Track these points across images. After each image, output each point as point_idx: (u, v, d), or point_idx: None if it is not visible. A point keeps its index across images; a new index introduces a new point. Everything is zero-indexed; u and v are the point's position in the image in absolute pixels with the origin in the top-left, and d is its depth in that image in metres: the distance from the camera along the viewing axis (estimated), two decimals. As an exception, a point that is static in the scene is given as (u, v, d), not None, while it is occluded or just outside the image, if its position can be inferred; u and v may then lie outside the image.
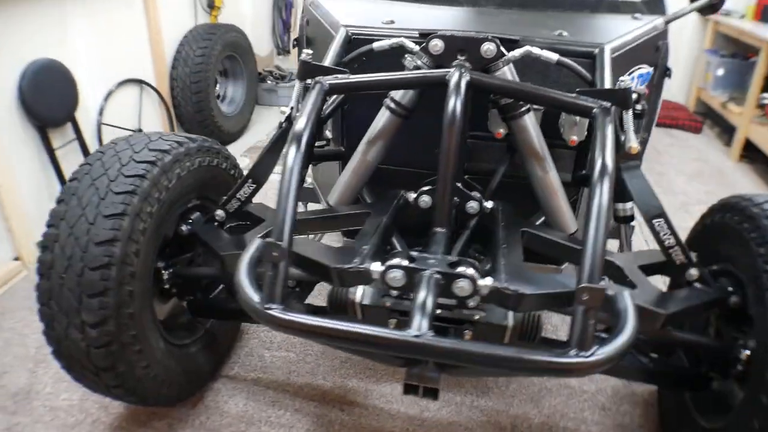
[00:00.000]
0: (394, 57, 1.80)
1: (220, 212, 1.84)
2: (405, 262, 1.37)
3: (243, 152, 4.33)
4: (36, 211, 2.94)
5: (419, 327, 1.21)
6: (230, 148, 4.19)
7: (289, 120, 1.86)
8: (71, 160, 3.18)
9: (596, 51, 1.88)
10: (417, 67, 1.72)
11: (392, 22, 2.05)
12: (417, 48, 1.73)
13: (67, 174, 3.09)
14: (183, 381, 1.95)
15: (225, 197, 1.87)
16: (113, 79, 3.45)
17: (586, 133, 1.84)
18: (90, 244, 1.55)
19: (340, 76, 1.67)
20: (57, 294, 1.57)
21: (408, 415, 2.17)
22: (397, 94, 1.78)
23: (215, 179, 2.00)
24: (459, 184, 1.75)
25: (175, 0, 3.88)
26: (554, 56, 1.72)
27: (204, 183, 1.92)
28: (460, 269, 1.36)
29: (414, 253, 1.42)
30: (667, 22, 2.18)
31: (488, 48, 1.65)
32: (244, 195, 1.80)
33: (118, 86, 3.46)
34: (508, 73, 1.73)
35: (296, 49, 2.51)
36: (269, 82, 5.03)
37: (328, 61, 1.92)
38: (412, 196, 1.81)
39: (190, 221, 1.91)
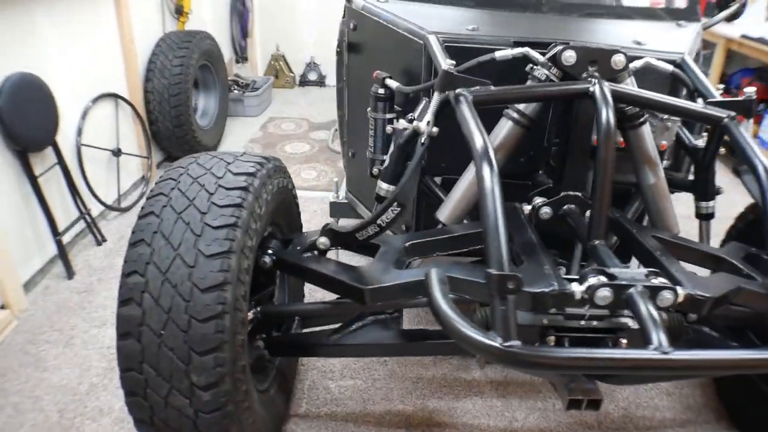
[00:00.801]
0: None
1: (323, 239, 1.64)
2: (604, 279, 1.29)
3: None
4: (21, 250, 2.61)
5: (659, 342, 1.18)
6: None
7: (415, 134, 1.70)
8: (53, 189, 2.83)
9: (679, 60, 1.88)
10: (548, 78, 1.65)
11: (477, 28, 1.92)
12: (542, 58, 1.68)
13: (53, 205, 2.76)
14: (271, 430, 1.75)
15: (362, 222, 1.66)
16: (88, 94, 3.09)
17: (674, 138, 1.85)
18: (195, 291, 1.31)
19: (481, 87, 1.55)
20: (153, 355, 1.32)
21: (499, 428, 2.07)
22: (521, 105, 1.69)
23: (285, 202, 1.79)
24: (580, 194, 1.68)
25: (143, 6, 3.52)
26: (669, 67, 1.75)
27: (277, 207, 1.71)
28: (657, 281, 1.30)
29: (611, 270, 1.33)
30: (705, 29, 2.22)
31: (618, 59, 1.63)
32: (386, 220, 1.60)
33: (94, 102, 3.11)
34: (630, 83, 1.68)
35: (338, 56, 2.37)
36: (235, 91, 4.73)
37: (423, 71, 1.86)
38: (527, 208, 1.74)
39: (270, 251, 1.69)
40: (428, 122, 1.56)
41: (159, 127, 3.65)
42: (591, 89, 1.53)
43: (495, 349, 1.13)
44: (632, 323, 1.46)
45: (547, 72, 1.66)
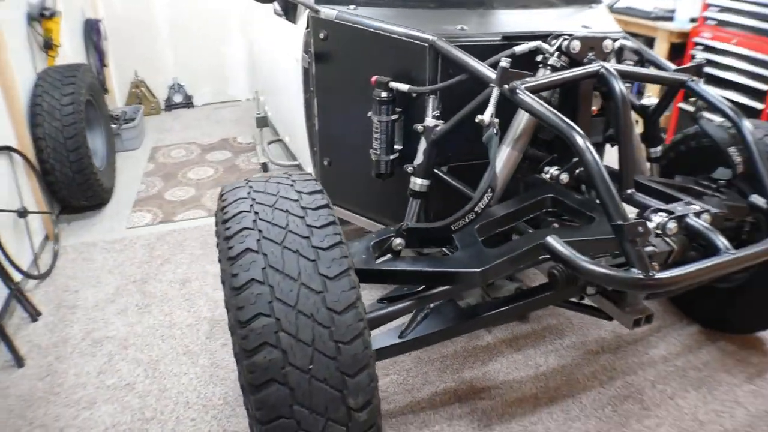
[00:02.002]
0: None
1: (399, 240, 1.71)
2: (666, 215, 1.60)
3: (133, 208, 3.76)
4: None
5: (725, 246, 1.52)
6: (111, 207, 3.67)
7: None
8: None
9: (621, 37, 2.25)
10: (563, 66, 1.93)
11: (464, 28, 2.09)
12: (552, 49, 1.94)
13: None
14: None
15: (456, 215, 1.72)
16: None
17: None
18: (334, 317, 1.30)
19: (529, 79, 1.73)
20: (304, 394, 1.27)
21: (532, 376, 2.33)
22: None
23: None
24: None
25: (10, 42, 3.11)
26: (635, 45, 2.12)
27: None
28: (694, 207, 1.65)
29: (666, 207, 1.61)
30: (610, 8, 2.65)
31: (608, 43, 1.98)
32: (482, 205, 1.69)
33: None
34: (614, 61, 1.98)
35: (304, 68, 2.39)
36: (112, 125, 4.37)
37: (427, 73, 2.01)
38: (546, 177, 2.01)
39: None
40: (491, 114, 1.71)
41: (56, 176, 3.29)
42: (601, 70, 1.81)
43: (649, 281, 1.37)
44: (656, 249, 1.78)
45: (558, 60, 1.92)
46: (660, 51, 4.22)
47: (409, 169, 2.04)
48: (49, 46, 3.50)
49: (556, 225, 1.92)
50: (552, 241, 1.48)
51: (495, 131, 1.68)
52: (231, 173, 4.19)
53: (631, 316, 1.73)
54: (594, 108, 2.09)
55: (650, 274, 1.37)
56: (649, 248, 1.81)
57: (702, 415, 2.17)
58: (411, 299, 1.76)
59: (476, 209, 1.68)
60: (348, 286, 1.35)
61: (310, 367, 1.27)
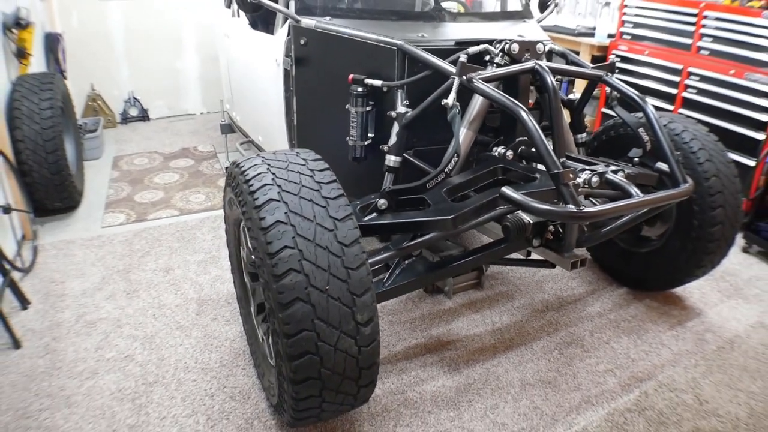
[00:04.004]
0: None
1: (383, 201, 2.05)
2: (589, 172, 2.00)
3: (105, 210, 3.92)
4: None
5: (636, 192, 1.96)
6: (83, 209, 3.83)
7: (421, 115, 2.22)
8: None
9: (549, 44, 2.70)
10: (505, 64, 2.32)
11: (423, 36, 2.48)
12: (496, 51, 2.35)
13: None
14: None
15: (430, 175, 2.09)
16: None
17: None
18: (344, 248, 1.63)
19: (481, 72, 2.12)
20: (323, 309, 1.57)
21: (489, 330, 2.70)
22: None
23: None
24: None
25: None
26: (563, 49, 2.58)
27: None
28: (613, 167, 2.08)
29: (590, 167, 2.02)
30: (539, 22, 3.12)
31: (540, 47, 2.39)
32: (451, 167, 2.05)
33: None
34: (545, 61, 2.41)
35: (284, 70, 2.71)
36: (77, 133, 4.51)
37: (396, 71, 2.37)
38: (497, 153, 2.39)
39: None
40: (454, 98, 2.09)
41: (34, 177, 3.45)
42: (536, 66, 2.22)
43: (580, 213, 1.76)
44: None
45: (502, 59, 2.34)
46: (583, 61, 4.80)
47: (385, 148, 2.40)
48: (22, 54, 3.66)
49: None
50: (507, 190, 1.86)
51: (457, 111, 2.07)
52: (196, 177, 4.42)
53: (569, 260, 2.12)
54: (530, 101, 2.52)
55: (581, 208, 1.77)
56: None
57: (633, 354, 2.60)
58: (392, 250, 2.11)
59: (446, 170, 2.05)
60: (352, 226, 1.69)
61: (327, 287, 1.59)
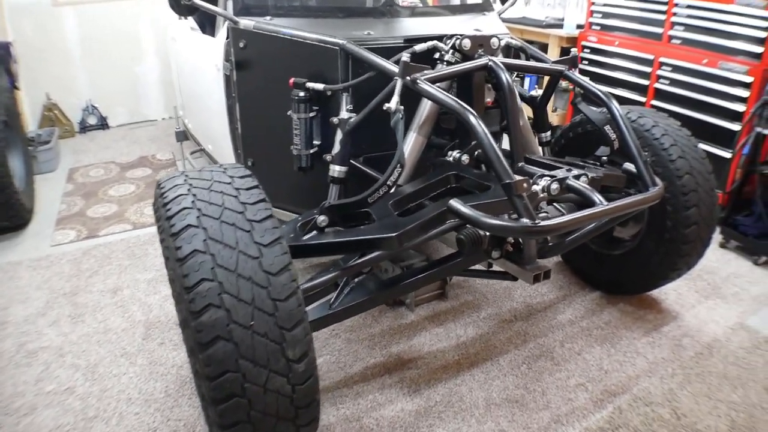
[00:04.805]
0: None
1: (323, 218, 1.88)
2: (549, 179, 1.84)
3: (56, 227, 3.72)
4: None
5: (600, 200, 1.78)
6: (33, 227, 3.64)
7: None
8: None
9: (509, 37, 2.55)
10: (456, 62, 2.15)
11: (370, 33, 2.31)
12: (446, 47, 2.18)
13: None
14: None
15: (372, 188, 1.91)
16: None
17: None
18: (270, 277, 1.46)
19: (427, 71, 1.94)
20: (248, 348, 1.40)
21: (453, 345, 2.54)
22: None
23: None
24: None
25: None
26: (519, 43, 2.41)
27: None
28: (574, 172, 1.92)
29: (550, 173, 1.85)
30: (499, 15, 2.96)
31: (495, 41, 2.23)
32: (393, 179, 1.88)
33: None
34: (501, 56, 2.24)
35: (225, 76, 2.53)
36: (28, 148, 4.30)
37: (339, 73, 2.21)
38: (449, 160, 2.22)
39: None
40: (397, 102, 1.92)
41: (-25, 196, 3.25)
42: (489, 63, 2.06)
43: (536, 227, 1.59)
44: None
45: (452, 56, 2.17)
46: (552, 55, 4.65)
47: (328, 157, 2.23)
48: (-42, 66, 3.45)
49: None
50: (455, 203, 1.69)
51: (400, 116, 1.90)
52: (153, 188, 4.20)
53: (531, 273, 1.96)
54: (489, 100, 2.36)
55: (536, 222, 1.61)
56: (543, 214, 2.09)
57: (606, 365, 2.45)
58: (336, 270, 1.94)
59: (388, 182, 1.88)
60: (280, 251, 1.52)
61: (252, 323, 1.42)
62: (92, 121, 5.53)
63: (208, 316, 1.38)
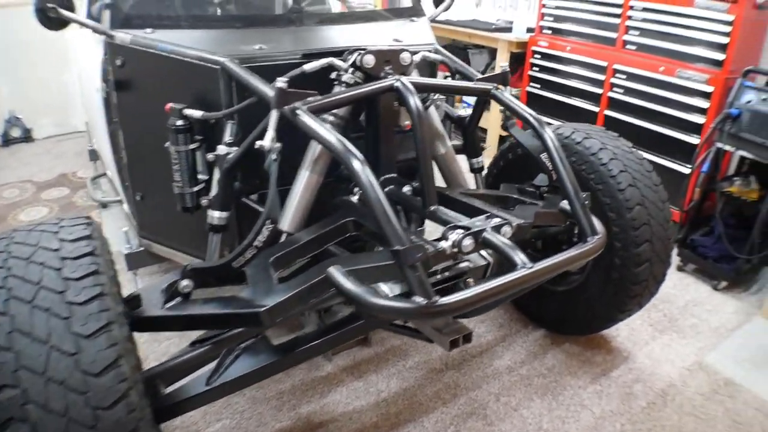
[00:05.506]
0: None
1: (186, 282, 1.53)
2: (462, 232, 1.50)
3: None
4: None
5: (523, 261, 1.44)
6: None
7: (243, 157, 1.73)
8: None
9: (433, 49, 2.22)
10: (357, 83, 1.82)
11: (262, 48, 1.96)
12: (345, 65, 1.84)
13: None
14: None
15: (238, 249, 1.57)
16: None
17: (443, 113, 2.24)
18: (89, 379, 1.13)
19: (311, 99, 1.61)
20: None
21: (372, 403, 2.22)
22: (338, 110, 1.83)
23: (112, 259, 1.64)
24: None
25: None
26: (439, 57, 2.08)
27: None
28: (495, 221, 1.59)
29: (462, 224, 1.54)
30: (431, 21, 2.62)
31: (406, 56, 1.89)
32: (262, 239, 1.53)
33: None
34: (415, 75, 1.91)
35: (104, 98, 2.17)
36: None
37: (222, 97, 1.86)
38: (355, 199, 1.88)
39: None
40: (272, 138, 1.58)
41: None
42: (395, 84, 1.74)
43: (431, 308, 1.27)
44: (470, 264, 1.73)
45: (351, 76, 1.83)
46: (501, 60, 4.33)
47: (204, 202, 1.88)
48: None
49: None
50: (334, 272, 1.36)
51: (274, 157, 1.56)
52: (67, 211, 3.84)
53: (447, 337, 1.65)
54: (408, 123, 2.03)
55: (432, 300, 1.29)
56: (464, 264, 1.77)
57: (546, 423, 2.15)
58: (209, 343, 1.60)
59: (255, 243, 1.54)
60: (106, 344, 1.18)
61: None
62: (16, 133, 5.09)
63: None
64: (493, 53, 4.45)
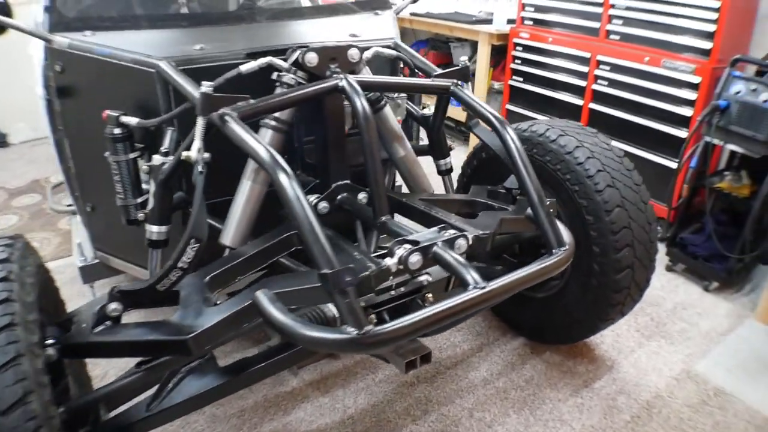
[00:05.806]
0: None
1: (114, 305, 1.40)
2: (410, 247, 1.37)
3: None
4: None
5: (474, 280, 1.30)
6: None
7: (178, 166, 1.60)
8: None
9: (392, 44, 2.10)
10: (297, 82, 1.69)
11: (204, 47, 1.82)
12: (286, 65, 1.71)
13: None
14: None
15: (162, 271, 1.45)
16: None
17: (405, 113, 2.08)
18: None
19: (241, 104, 1.48)
20: None
21: (338, 421, 2.09)
22: (279, 113, 1.70)
23: (45, 282, 1.52)
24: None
25: None
26: (394, 52, 1.94)
27: (40, 290, 1.42)
28: (449, 233, 1.45)
29: (411, 238, 1.40)
30: (397, 14, 2.47)
31: (354, 53, 1.76)
32: (187, 260, 1.40)
33: None
34: (366, 72, 1.78)
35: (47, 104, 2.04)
36: None
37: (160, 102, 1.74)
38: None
39: (51, 341, 1.39)
40: (199, 149, 1.45)
41: None
42: (340, 84, 1.61)
43: (361, 340, 1.14)
44: (430, 278, 1.60)
45: (293, 76, 1.70)
46: (482, 54, 4.18)
47: (140, 215, 1.76)
48: None
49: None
50: (261, 297, 1.23)
51: (200, 170, 1.43)
52: (37, 219, 3.71)
53: (403, 359, 1.52)
54: None
55: (365, 330, 1.16)
56: (424, 277, 1.64)
57: (522, 440, 2.03)
58: (150, 366, 1.48)
59: (180, 265, 1.41)
60: (12, 380, 1.08)
61: None
62: (-10, 138, 4.98)
63: None
64: (475, 46, 4.29)
